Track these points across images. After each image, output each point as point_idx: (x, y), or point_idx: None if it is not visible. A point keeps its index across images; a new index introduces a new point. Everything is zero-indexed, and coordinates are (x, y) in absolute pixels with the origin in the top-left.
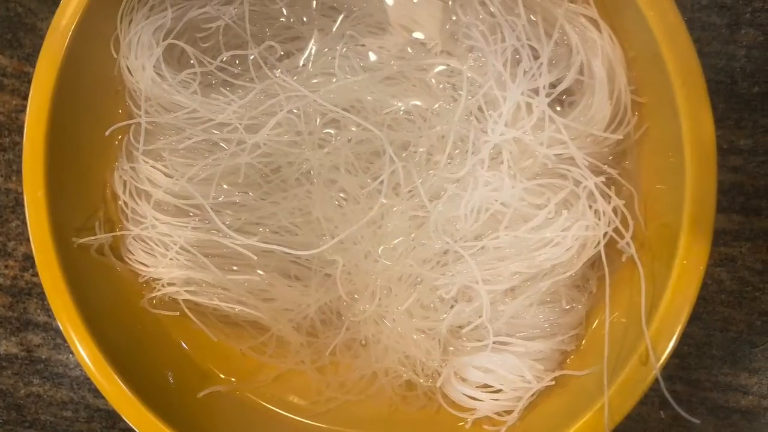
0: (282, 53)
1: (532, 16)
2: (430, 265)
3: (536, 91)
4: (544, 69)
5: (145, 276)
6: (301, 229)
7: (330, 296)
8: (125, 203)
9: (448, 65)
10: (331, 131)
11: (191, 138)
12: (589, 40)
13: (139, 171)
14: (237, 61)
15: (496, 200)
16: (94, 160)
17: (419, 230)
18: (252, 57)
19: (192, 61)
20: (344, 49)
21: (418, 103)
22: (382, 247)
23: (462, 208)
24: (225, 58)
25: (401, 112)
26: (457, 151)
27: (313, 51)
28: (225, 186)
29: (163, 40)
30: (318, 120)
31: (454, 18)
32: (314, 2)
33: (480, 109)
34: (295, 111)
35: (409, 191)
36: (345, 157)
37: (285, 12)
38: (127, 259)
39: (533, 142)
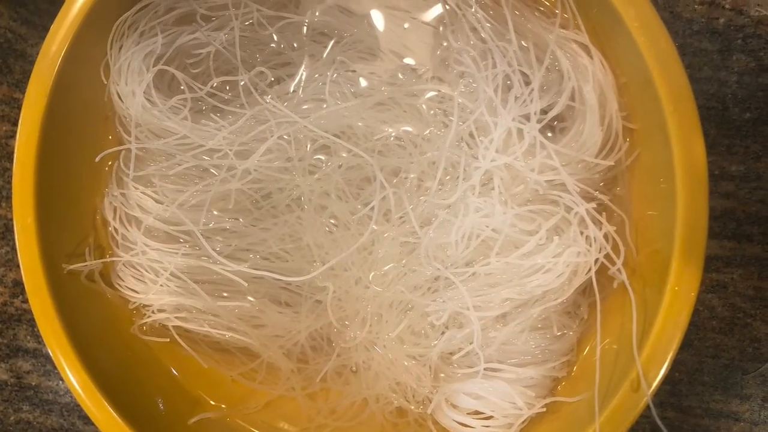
0: (272, 79)
1: (523, 42)
2: (421, 291)
3: (527, 117)
4: (535, 95)
5: (135, 302)
6: (291, 256)
7: (320, 323)
8: (115, 229)
9: (439, 91)
10: (322, 157)
11: (181, 164)
12: (581, 66)
13: (129, 197)
14: (227, 87)
15: (487, 226)
16: (84, 186)
17: (410, 256)
18: (242, 83)
19: (182, 87)
20: (335, 75)
21: (408, 129)
22: (372, 274)
23: (453, 235)
24: (215, 84)
25: (392, 138)
26: (448, 177)
27: (303, 77)
28: (215, 212)
29: (153, 66)
30: (308, 146)
31: (445, 44)
32: (305, 28)
33: (471, 135)
34: (285, 137)
35: (400, 217)
36: (335, 183)
37: (275, 38)
38: (117, 286)
39: (524, 168)
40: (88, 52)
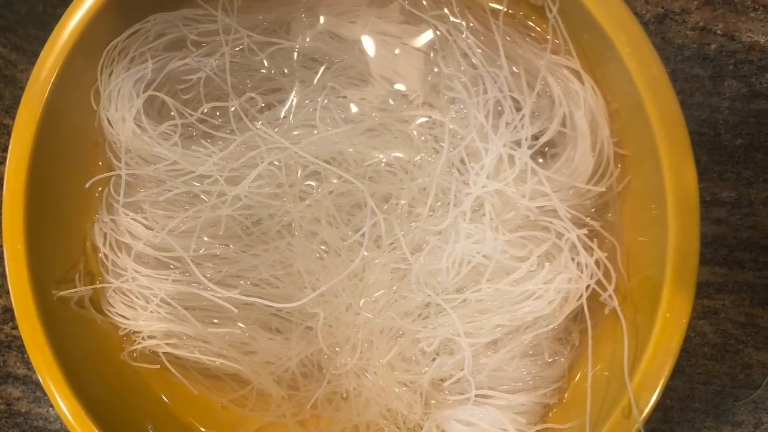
0: (263, 105)
1: (514, 68)
2: (411, 317)
3: (518, 143)
4: (526, 121)
5: (125, 329)
6: (282, 282)
7: (311, 349)
8: (105, 255)
9: (429, 117)
10: (312, 183)
11: (172, 190)
12: (572, 92)
13: (119, 223)
14: (218, 113)
15: (478, 253)
16: (74, 212)
17: (401, 283)
18: (233, 109)
19: (172, 113)
20: (325, 101)
21: (399, 155)
22: (363, 300)
23: (444, 261)
24: (206, 110)
25: (383, 164)
26: (438, 204)
27: (294, 103)
28: (206, 238)
29: (143, 92)
30: (299, 172)
31: (435, 70)
32: (295, 54)
33: (462, 161)
34: (276, 163)
35: (391, 244)
36: (326, 210)
37: (266, 63)
38: (107, 312)
39: (515, 194)
40: (78, 78)
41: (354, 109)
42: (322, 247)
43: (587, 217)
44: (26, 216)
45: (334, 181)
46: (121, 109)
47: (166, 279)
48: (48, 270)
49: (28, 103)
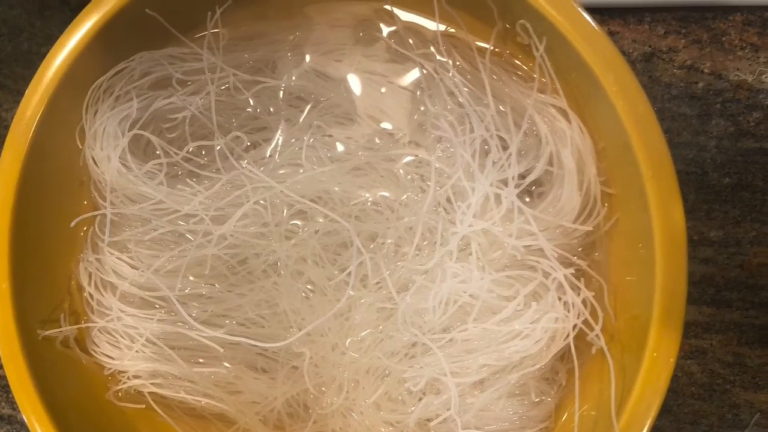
0: (248, 144)
1: (501, 107)
2: (398, 357)
3: (505, 182)
4: (513, 160)
5: (110, 368)
6: (267, 321)
7: (297, 389)
8: (90, 295)
9: (416, 156)
10: (298, 222)
11: (157, 229)
12: (559, 131)
13: (104, 262)
14: (203, 152)
15: (465, 292)
16: (59, 251)
17: (387, 322)
18: (218, 147)
19: (158, 152)
20: (311, 140)
21: (386, 194)
22: (349, 340)
23: (430, 300)
24: (191, 149)
25: (369, 204)
26: (425, 243)
27: (279, 141)
28: (191, 278)
29: (128, 131)
30: (285, 211)
31: (422, 108)
32: (281, 92)
33: (448, 200)
34: (261, 202)
35: (377, 283)
36: (312, 249)
37: (251, 102)
38: (92, 352)
39: (502, 233)
40: (63, 116)
41: (340, 147)
42: (308, 287)
43: (574, 256)
44: (11, 255)
45: (320, 220)
46: (106, 147)
47: (152, 318)
48: (33, 309)
49: (13, 142)
